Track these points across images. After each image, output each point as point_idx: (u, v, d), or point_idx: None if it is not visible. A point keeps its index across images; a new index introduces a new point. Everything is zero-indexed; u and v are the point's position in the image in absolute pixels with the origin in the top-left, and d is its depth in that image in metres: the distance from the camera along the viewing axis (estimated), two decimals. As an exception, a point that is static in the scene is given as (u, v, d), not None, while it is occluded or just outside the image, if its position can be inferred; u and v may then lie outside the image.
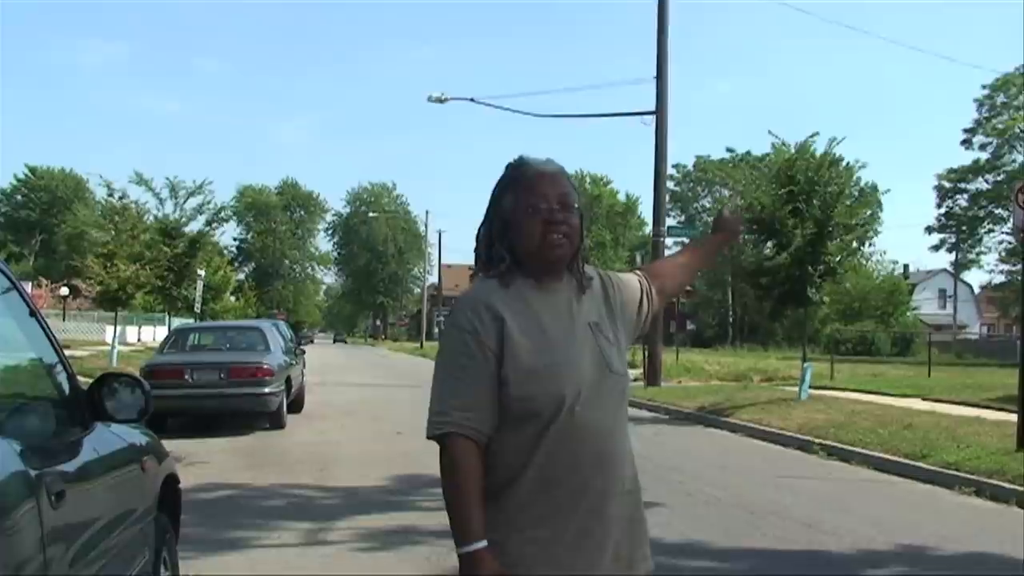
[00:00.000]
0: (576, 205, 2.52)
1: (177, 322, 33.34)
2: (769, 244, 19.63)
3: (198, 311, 35.38)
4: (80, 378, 3.90)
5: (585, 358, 2.45)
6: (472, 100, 26.98)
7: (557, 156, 2.61)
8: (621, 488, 2.47)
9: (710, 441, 14.68)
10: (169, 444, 5.71)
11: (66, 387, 3.70)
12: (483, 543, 2.32)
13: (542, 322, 2.46)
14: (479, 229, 2.58)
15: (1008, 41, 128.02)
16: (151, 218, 32.34)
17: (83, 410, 3.72)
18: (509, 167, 2.58)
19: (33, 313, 3.58)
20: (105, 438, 3.86)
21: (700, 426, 16.63)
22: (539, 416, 2.38)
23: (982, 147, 59.85)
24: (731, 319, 79.69)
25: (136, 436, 4.38)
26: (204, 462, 11.34)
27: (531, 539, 2.39)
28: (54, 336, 3.71)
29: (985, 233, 62.22)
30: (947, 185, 62.95)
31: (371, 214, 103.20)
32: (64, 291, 51.66)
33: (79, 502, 3.24)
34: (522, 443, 2.40)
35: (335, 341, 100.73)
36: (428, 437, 2.42)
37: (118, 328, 30.65)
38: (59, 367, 3.68)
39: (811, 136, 19.22)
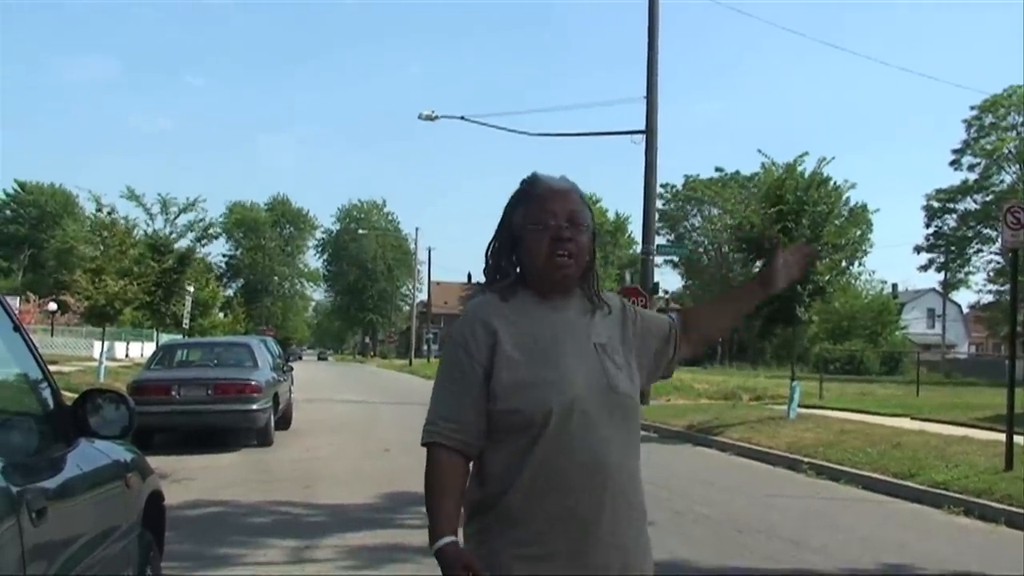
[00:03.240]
0: (586, 224, 2.49)
1: (165, 338, 33.24)
2: (758, 263, 19.66)
3: (186, 327, 35.27)
4: (67, 393, 3.87)
5: (581, 374, 2.42)
6: (463, 118, 27.01)
7: (547, 173, 2.58)
8: (622, 512, 2.43)
9: (699, 459, 14.66)
10: (155, 460, 5.67)
11: (50, 402, 3.67)
12: (450, 538, 2.34)
13: (538, 336, 2.45)
14: (489, 244, 2.58)
15: (994, 62, 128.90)
16: (140, 233, 32.29)
17: (67, 426, 3.69)
18: (522, 183, 2.57)
19: (17, 328, 3.56)
20: (88, 454, 3.83)
21: (689, 444, 16.62)
22: (527, 428, 2.37)
23: (971, 167, 60.05)
24: (720, 338, 79.59)
25: (120, 452, 4.35)
26: (190, 479, 11.28)
27: (522, 555, 2.38)
28: (38, 351, 3.69)
29: (973, 253, 62.35)
30: (936, 205, 63.15)
31: (361, 231, 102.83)
32: (52, 306, 51.42)
33: (61, 519, 3.21)
34: (512, 455, 2.40)
35: (319, 359, 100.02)
36: (421, 444, 2.47)
37: (106, 344, 30.51)
38: (43, 382, 3.66)
39: (800, 156, 19.30)
